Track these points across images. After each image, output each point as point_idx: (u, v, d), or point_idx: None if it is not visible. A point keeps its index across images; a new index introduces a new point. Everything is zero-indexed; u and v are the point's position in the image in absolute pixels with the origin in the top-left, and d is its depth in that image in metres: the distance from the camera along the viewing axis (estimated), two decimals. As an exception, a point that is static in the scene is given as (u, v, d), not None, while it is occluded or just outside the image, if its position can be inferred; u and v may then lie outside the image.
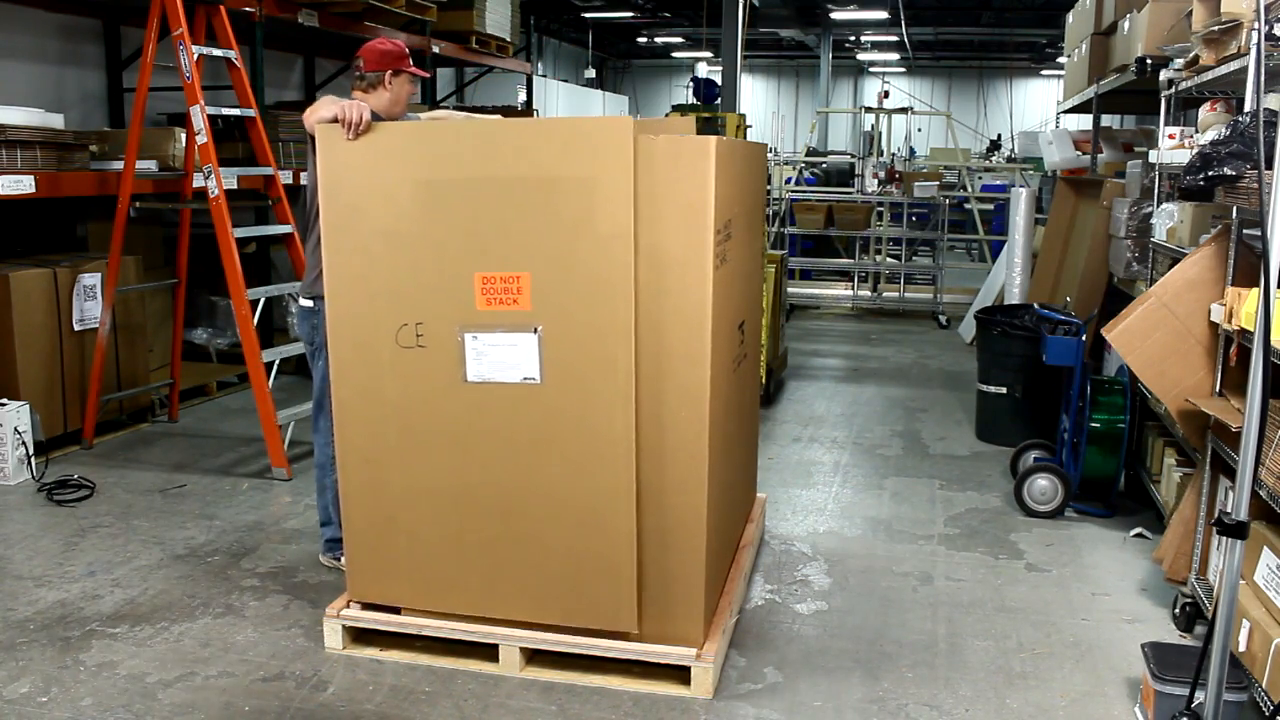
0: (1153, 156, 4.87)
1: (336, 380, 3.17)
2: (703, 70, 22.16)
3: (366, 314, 3.09)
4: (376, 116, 3.61)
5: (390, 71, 3.73)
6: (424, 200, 2.99)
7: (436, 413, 3.09)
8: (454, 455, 3.10)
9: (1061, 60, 11.82)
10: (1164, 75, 4.71)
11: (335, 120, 3.05)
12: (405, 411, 3.11)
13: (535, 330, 2.97)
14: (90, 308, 5.40)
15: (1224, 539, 2.37)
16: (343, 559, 3.69)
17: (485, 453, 3.08)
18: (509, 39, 9.75)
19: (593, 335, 2.94)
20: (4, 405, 4.82)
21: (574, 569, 3.09)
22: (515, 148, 2.92)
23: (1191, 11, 4.18)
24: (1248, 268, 3.38)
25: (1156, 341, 3.65)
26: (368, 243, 3.05)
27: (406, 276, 3.04)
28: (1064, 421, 4.82)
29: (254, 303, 5.10)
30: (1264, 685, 2.82)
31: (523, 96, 12.96)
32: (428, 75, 4.24)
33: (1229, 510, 2.33)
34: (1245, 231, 3.42)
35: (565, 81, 22.95)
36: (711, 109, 15.04)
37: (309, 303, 3.71)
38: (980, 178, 15.05)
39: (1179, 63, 4.51)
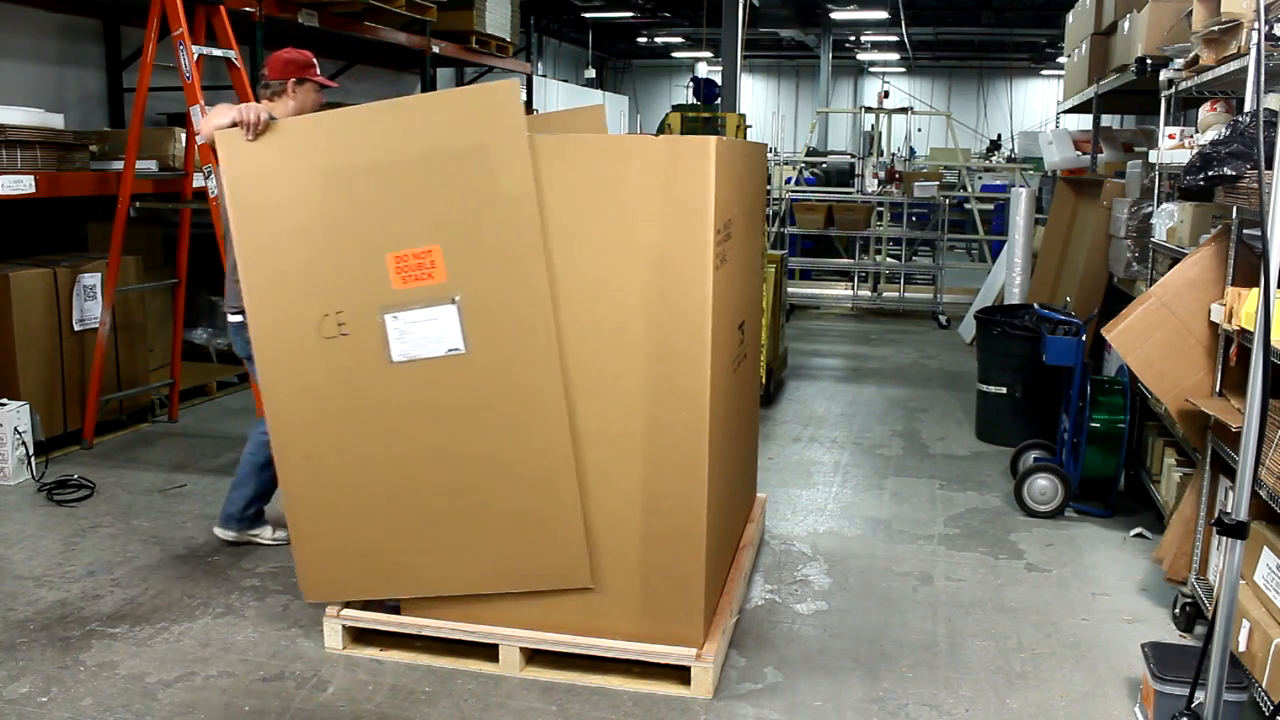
0: (1153, 156, 4.87)
1: (267, 383, 3.16)
2: (703, 70, 22.18)
3: (287, 310, 3.10)
4: None
5: (294, 80, 3.76)
6: (329, 190, 3.03)
7: (368, 398, 3.11)
8: (390, 437, 3.12)
9: (1061, 60, 11.83)
10: (1164, 75, 4.71)
11: (234, 125, 3.09)
12: (337, 401, 3.12)
13: (453, 300, 3.00)
14: (90, 308, 5.40)
15: (1224, 539, 2.37)
16: (250, 531, 4.09)
17: (421, 430, 3.10)
18: (509, 39, 9.75)
19: (509, 298, 2.98)
20: (4, 405, 4.82)
21: (522, 532, 3.12)
22: (410, 126, 2.97)
23: (1191, 11, 4.19)
24: (1248, 268, 3.38)
25: (1156, 341, 3.65)
26: (279, 240, 3.08)
27: (321, 268, 3.06)
28: (1064, 421, 4.82)
29: (254, 303, 5.08)
30: (1264, 685, 2.82)
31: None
32: (335, 85, 4.25)
33: (1229, 510, 2.33)
34: (1245, 231, 3.42)
35: (565, 81, 22.95)
36: (711, 109, 15.06)
37: (238, 318, 3.68)
38: (980, 178, 15.05)
39: (1179, 63, 4.51)
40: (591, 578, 3.11)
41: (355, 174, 3.00)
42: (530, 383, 3.01)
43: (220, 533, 4.15)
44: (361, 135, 3.00)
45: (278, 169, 3.05)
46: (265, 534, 4.17)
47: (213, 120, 3.20)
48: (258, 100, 3.79)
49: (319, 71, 3.87)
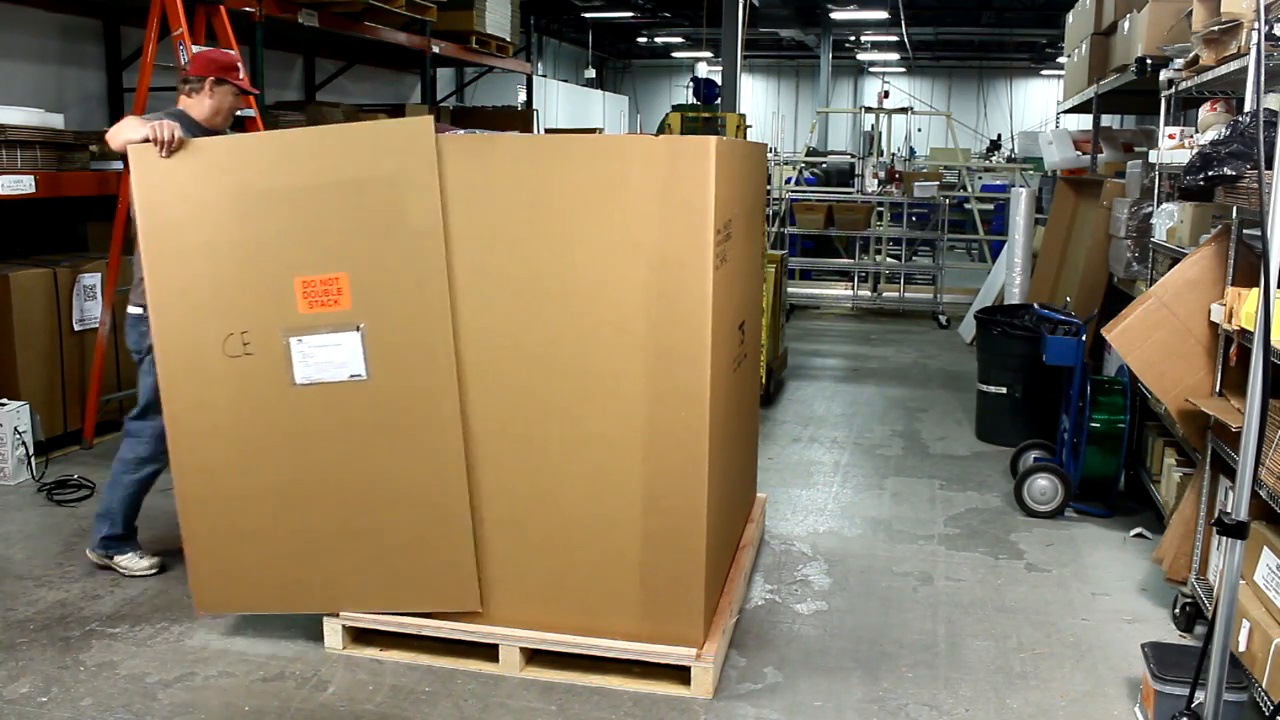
0: (1153, 156, 4.87)
1: (167, 395, 3.18)
2: (703, 70, 22.19)
3: (192, 327, 3.13)
4: (195, 125, 3.68)
5: (213, 79, 3.74)
6: (241, 211, 3.07)
7: (270, 418, 3.14)
8: (291, 457, 3.15)
9: (1061, 60, 11.83)
10: (1164, 75, 4.71)
11: (147, 140, 3.11)
12: (239, 420, 3.15)
13: (358, 328, 3.04)
14: (90, 308, 5.40)
15: (1224, 539, 2.37)
16: (117, 558, 3.84)
17: (321, 452, 3.14)
18: (509, 39, 9.75)
19: (413, 327, 3.04)
20: (4, 405, 4.82)
21: (416, 554, 3.17)
22: (325, 153, 3.03)
23: (1191, 11, 4.19)
24: (1248, 268, 3.38)
25: (1156, 341, 3.65)
26: (188, 256, 3.11)
27: (229, 287, 3.09)
28: (1064, 421, 4.82)
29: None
30: (1264, 685, 2.82)
31: (523, 96, 12.96)
32: (256, 92, 4.23)
33: (1229, 510, 2.33)
34: (1245, 231, 3.42)
35: (565, 81, 22.94)
36: (711, 109, 15.05)
37: (138, 309, 3.65)
38: (980, 178, 15.05)
39: (1179, 63, 4.51)
40: (481, 601, 3.17)
41: (268, 197, 3.05)
42: (429, 410, 3.08)
43: (96, 558, 3.94)
44: (277, 159, 3.07)
45: (190, 187, 3.10)
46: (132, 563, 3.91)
47: (123, 134, 3.21)
48: (177, 94, 3.78)
49: (240, 75, 3.83)
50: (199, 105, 3.75)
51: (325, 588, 3.26)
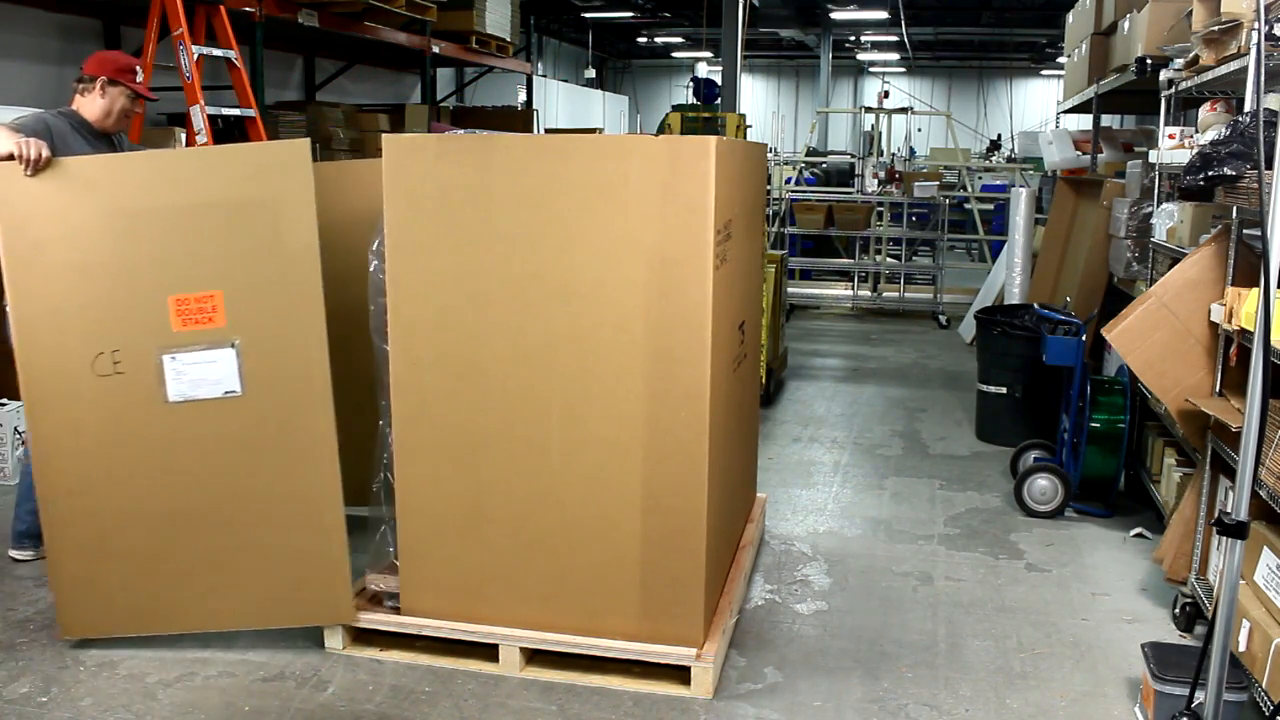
0: (1153, 156, 4.87)
1: (33, 416, 3.18)
2: (703, 70, 22.19)
3: (59, 346, 3.13)
4: (85, 125, 3.66)
5: (105, 79, 3.71)
6: (113, 230, 3.09)
7: (141, 436, 3.15)
8: (164, 475, 3.17)
9: (1061, 60, 11.84)
10: (1164, 75, 4.71)
11: (11, 157, 3.07)
12: (109, 440, 3.16)
13: (233, 345, 3.08)
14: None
15: (1224, 539, 2.37)
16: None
17: (195, 469, 3.16)
18: (509, 39, 9.76)
19: (288, 345, 3.09)
20: (4, 405, 4.82)
21: (292, 569, 3.21)
22: (198, 175, 3.09)
23: (1191, 11, 4.19)
24: (1248, 268, 3.38)
25: (1156, 341, 3.65)
26: (55, 276, 3.11)
27: (100, 306, 3.10)
28: (1064, 421, 4.82)
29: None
30: (1264, 685, 2.82)
31: (523, 96, 12.97)
32: (154, 98, 4.17)
33: (1229, 510, 2.33)
34: (1245, 231, 3.42)
35: (565, 81, 22.94)
36: (711, 109, 15.06)
37: None
38: (980, 178, 15.05)
39: (1179, 63, 4.51)
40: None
41: (141, 216, 3.08)
42: (304, 426, 3.13)
43: (16, 554, 3.91)
44: (149, 179, 3.10)
45: (58, 205, 3.10)
46: None
47: None
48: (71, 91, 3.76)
49: (137, 79, 3.79)
50: (90, 105, 3.71)
51: (198, 605, 3.25)
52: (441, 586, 3.22)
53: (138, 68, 3.83)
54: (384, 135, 3.06)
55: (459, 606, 3.22)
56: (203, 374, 3.11)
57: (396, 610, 3.31)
